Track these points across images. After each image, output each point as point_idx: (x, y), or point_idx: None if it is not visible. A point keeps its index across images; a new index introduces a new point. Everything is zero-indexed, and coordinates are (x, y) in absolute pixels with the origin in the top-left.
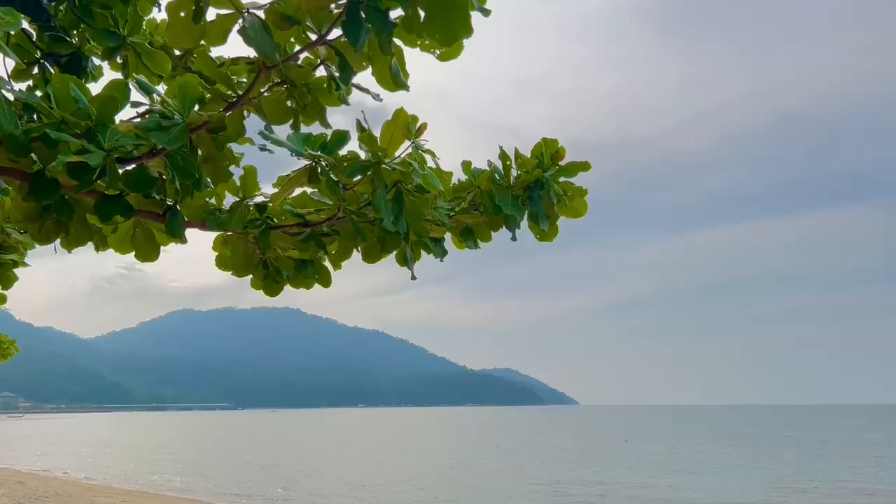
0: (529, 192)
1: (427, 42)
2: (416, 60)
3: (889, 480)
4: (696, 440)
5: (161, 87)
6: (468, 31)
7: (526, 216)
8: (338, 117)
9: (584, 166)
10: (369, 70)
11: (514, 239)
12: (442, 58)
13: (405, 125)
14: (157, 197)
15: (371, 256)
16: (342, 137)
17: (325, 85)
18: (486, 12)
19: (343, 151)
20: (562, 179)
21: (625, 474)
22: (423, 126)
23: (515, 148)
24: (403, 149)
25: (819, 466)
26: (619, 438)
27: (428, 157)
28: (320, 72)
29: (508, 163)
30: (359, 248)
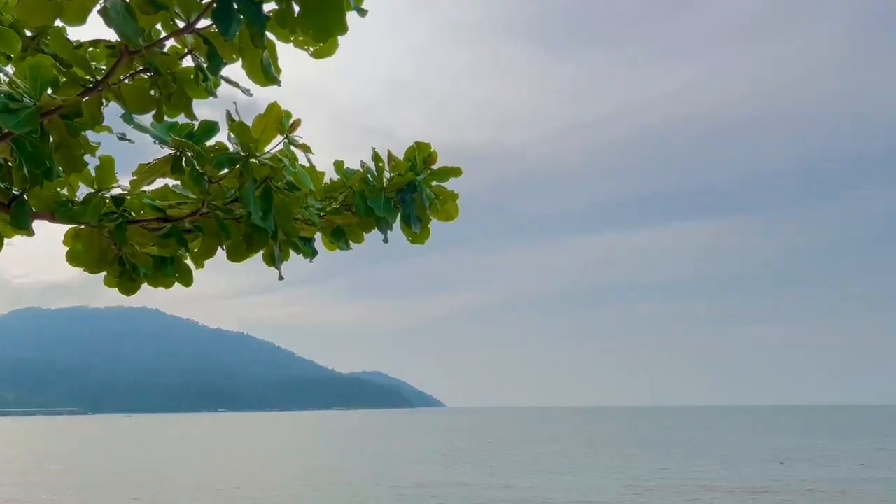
0: (402, 195)
1: (301, 38)
2: (290, 57)
3: (729, 477)
4: (558, 441)
5: (9, 69)
6: (343, 28)
7: (398, 218)
8: (204, 110)
9: (456, 171)
10: (239, 63)
11: (385, 241)
12: (316, 55)
13: (278, 119)
14: (2, 185)
15: (236, 255)
16: (210, 128)
17: (191, 75)
18: (362, 12)
19: (211, 143)
20: (434, 183)
21: (487, 475)
22: (297, 122)
23: (388, 150)
24: (275, 144)
25: (670, 465)
26: (483, 440)
27: (301, 154)
28: (187, 62)
29: (381, 165)
30: (223, 246)
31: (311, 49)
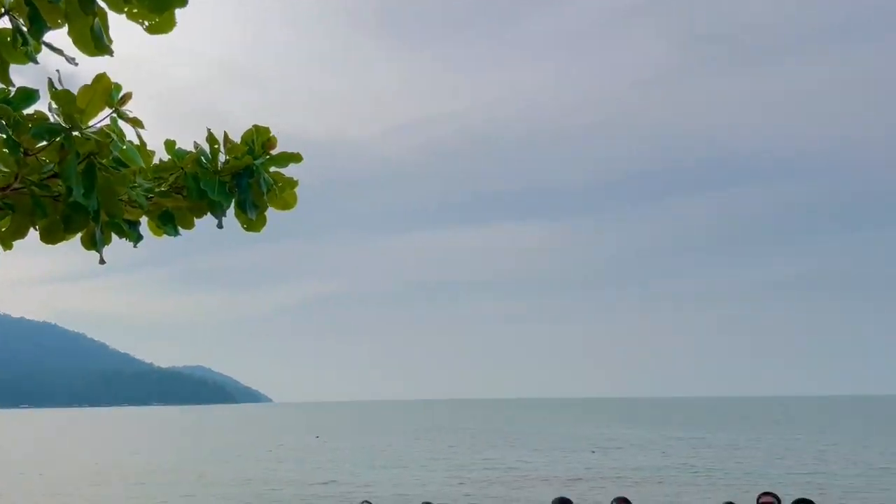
0: (238, 179)
1: (136, 10)
2: (120, 31)
3: (546, 466)
4: (386, 435)
5: None
6: (181, 1)
7: (233, 204)
8: (22, 78)
9: (296, 157)
10: (65, 30)
11: (220, 227)
12: (151, 30)
13: (107, 91)
14: None
15: (52, 236)
16: (29, 95)
17: (9, 38)
18: None
19: (29, 112)
20: (272, 169)
21: (313, 471)
22: (128, 95)
23: (225, 132)
24: (102, 117)
25: (493, 455)
26: (311, 435)
27: (130, 130)
28: (4, 23)
29: (217, 147)
30: (36, 226)
31: (147, 23)
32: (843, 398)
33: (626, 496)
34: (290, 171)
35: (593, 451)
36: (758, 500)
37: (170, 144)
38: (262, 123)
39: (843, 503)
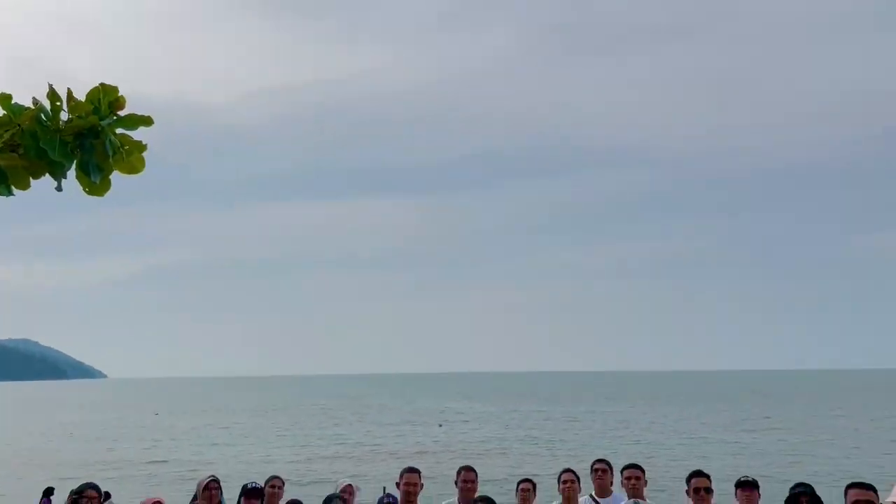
0: (81, 140)
1: None
2: None
3: (395, 439)
4: (228, 412)
5: None
6: None
7: (74, 165)
8: None
9: (146, 120)
10: None
11: (59, 189)
12: None
13: None
14: None
15: None
16: None
17: None
18: None
19: None
20: (119, 131)
21: (152, 449)
22: None
23: (68, 89)
24: None
25: (343, 430)
26: (149, 412)
27: None
28: None
29: (59, 104)
30: None
31: None
32: (682, 374)
33: (471, 465)
34: (137, 134)
35: (440, 425)
36: (560, 477)
37: (4, 98)
38: (109, 83)
39: (668, 472)
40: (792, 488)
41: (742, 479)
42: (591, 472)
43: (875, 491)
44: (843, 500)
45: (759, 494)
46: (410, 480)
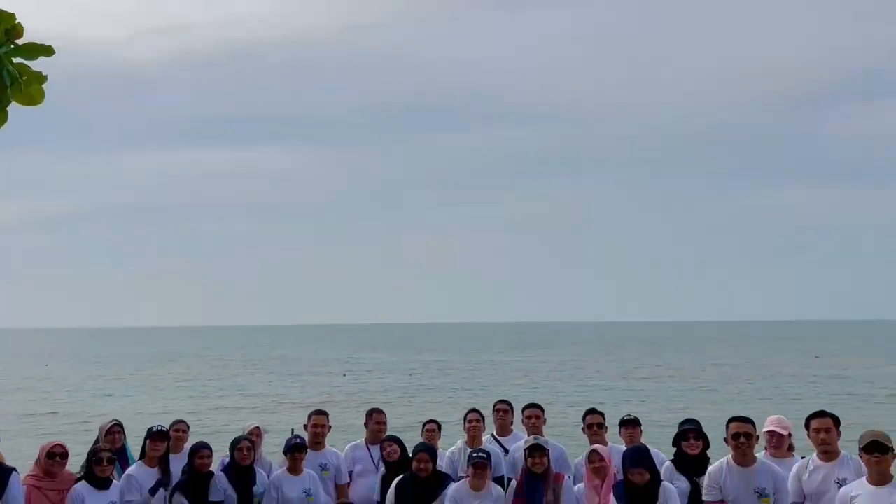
0: None
1: None
2: None
3: (298, 390)
4: (131, 363)
5: None
6: None
7: None
8: None
9: (47, 50)
10: None
11: None
12: None
13: None
14: None
15: None
16: None
17: None
18: None
19: None
20: (17, 60)
21: (42, 401)
22: None
23: None
24: None
25: (243, 381)
26: (39, 363)
27: None
28: None
29: None
30: None
31: None
32: (579, 325)
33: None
34: (37, 65)
35: (344, 375)
36: (465, 416)
37: None
38: (3, 9)
39: (566, 417)
40: (680, 424)
41: (625, 417)
42: (493, 413)
43: (753, 424)
44: (725, 433)
45: (641, 431)
46: (318, 422)
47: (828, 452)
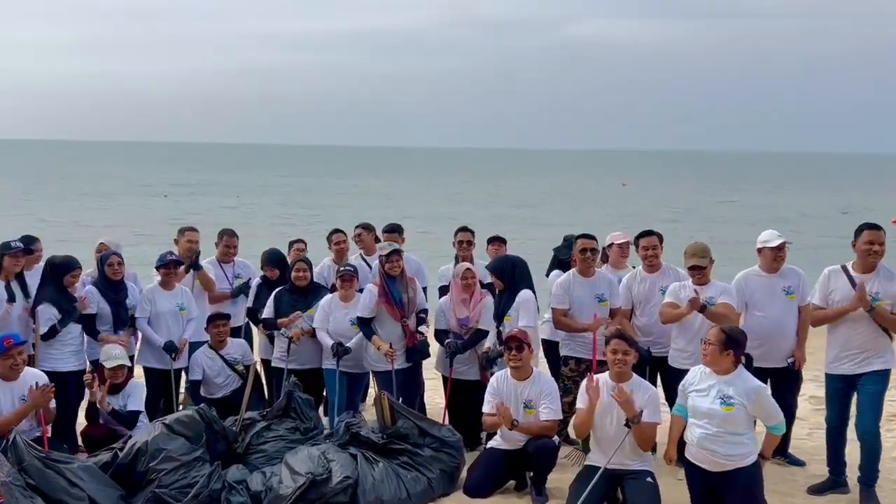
0: None
1: None
2: None
3: (108, 215)
4: None
5: None
6: None
7: None
8: None
9: None
10: None
11: None
12: None
13: None
14: None
15: None
16: None
17: None
18: None
19: None
20: None
21: None
22: None
23: None
24: None
25: (53, 205)
26: None
27: None
28: None
29: None
30: None
31: None
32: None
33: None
34: None
35: (166, 195)
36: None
37: None
38: None
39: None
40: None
41: (493, 236)
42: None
43: (596, 240)
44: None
45: (507, 248)
46: (192, 238)
47: (653, 266)
